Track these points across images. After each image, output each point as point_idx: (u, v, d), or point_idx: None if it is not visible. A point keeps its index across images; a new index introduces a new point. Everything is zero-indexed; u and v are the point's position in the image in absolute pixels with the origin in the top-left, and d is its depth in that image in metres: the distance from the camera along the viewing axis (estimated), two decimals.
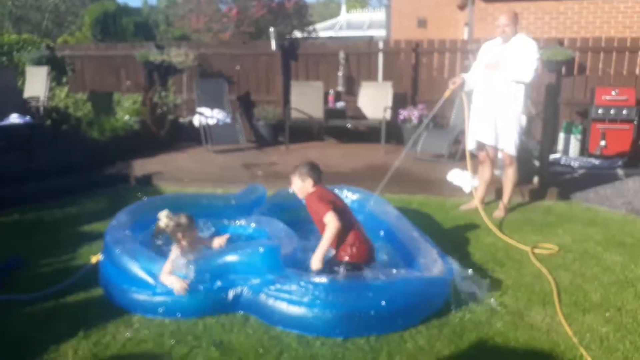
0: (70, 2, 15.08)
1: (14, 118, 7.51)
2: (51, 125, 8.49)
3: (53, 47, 9.99)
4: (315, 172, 3.58)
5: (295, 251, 3.46)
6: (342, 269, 3.23)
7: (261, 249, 3.08)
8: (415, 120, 8.07)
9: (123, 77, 9.58)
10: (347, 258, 3.34)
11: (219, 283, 3.06)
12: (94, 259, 3.59)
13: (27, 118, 7.74)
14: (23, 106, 8.06)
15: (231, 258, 3.13)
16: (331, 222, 3.24)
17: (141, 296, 3.12)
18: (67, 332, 2.89)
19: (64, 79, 9.60)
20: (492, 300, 3.21)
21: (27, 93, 8.66)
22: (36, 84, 8.80)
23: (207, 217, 4.18)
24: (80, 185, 6.12)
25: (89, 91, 9.50)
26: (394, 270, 3.04)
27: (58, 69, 9.54)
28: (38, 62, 9.27)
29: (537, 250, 4.10)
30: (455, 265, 3.28)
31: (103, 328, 2.95)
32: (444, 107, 8.04)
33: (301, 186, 3.58)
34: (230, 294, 3.05)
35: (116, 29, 11.58)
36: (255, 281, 3.04)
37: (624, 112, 7.45)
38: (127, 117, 8.09)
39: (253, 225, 4.14)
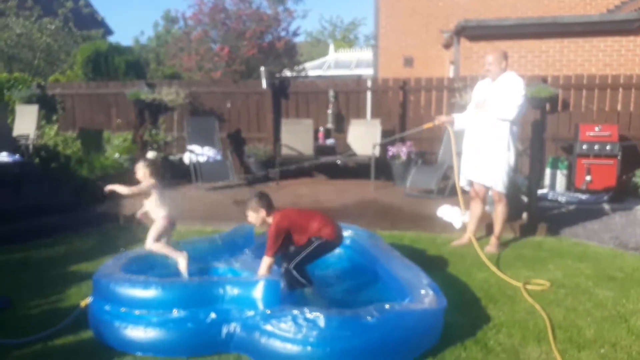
0: (62, 41, 15.18)
1: (3, 156, 7.49)
2: (40, 163, 8.46)
3: (44, 86, 10.03)
4: (264, 200, 3.75)
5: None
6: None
7: (261, 283, 3.07)
8: (403, 157, 8.16)
9: (113, 115, 9.62)
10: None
11: (212, 315, 3.04)
12: (83, 303, 3.53)
13: (17, 156, 7.72)
14: (12, 144, 8.04)
15: (230, 290, 3.12)
16: (265, 262, 3.59)
17: (133, 334, 3.07)
18: None
19: (54, 117, 9.62)
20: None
21: (17, 131, 8.66)
22: (26, 122, 8.81)
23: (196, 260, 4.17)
24: (69, 224, 6.06)
25: (79, 129, 9.51)
26: (387, 305, 3.02)
27: (48, 107, 9.57)
28: (28, 101, 9.30)
29: (529, 286, 4.11)
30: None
31: None
32: (432, 143, 8.22)
33: (256, 218, 3.74)
34: (223, 331, 3.02)
35: (108, 67, 11.68)
36: (249, 317, 3.01)
37: (608, 147, 7.60)
38: (117, 155, 8.09)
39: (237, 265, 4.10)
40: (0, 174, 7.07)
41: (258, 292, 3.07)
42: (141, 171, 4.16)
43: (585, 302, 3.82)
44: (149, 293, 3.12)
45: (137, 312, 3.12)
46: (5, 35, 13.97)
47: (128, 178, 7.73)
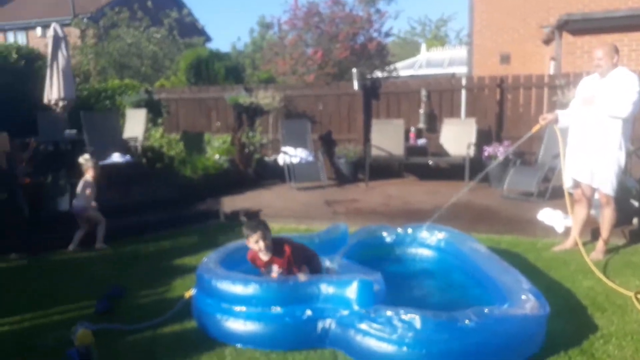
0: (167, 49, 16.20)
1: (116, 157, 8.12)
2: (147, 163, 9.07)
3: (151, 91, 10.74)
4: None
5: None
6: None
7: (355, 283, 3.11)
8: (500, 157, 7.87)
9: (213, 118, 10.11)
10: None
11: (308, 312, 3.11)
12: (187, 294, 3.74)
13: (127, 157, 8.34)
14: (123, 146, 8.70)
15: (325, 288, 3.19)
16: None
17: (233, 326, 3.23)
18: None
19: (159, 120, 10.27)
20: None
21: (127, 134, 9.32)
22: (135, 125, 9.46)
23: None
24: (174, 220, 6.46)
25: (182, 131, 10.09)
26: (486, 309, 2.94)
27: (154, 110, 10.22)
28: (137, 105, 9.99)
29: None
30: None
31: None
32: (531, 142, 7.84)
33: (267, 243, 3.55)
34: (319, 327, 3.09)
35: (208, 73, 12.29)
36: (344, 315, 3.06)
37: None
38: (217, 156, 8.49)
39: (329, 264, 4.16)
40: (113, 173, 7.67)
41: (352, 292, 3.10)
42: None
43: None
44: (248, 290, 3.25)
45: (236, 308, 3.26)
46: (118, 45, 15.12)
47: (228, 178, 8.19)
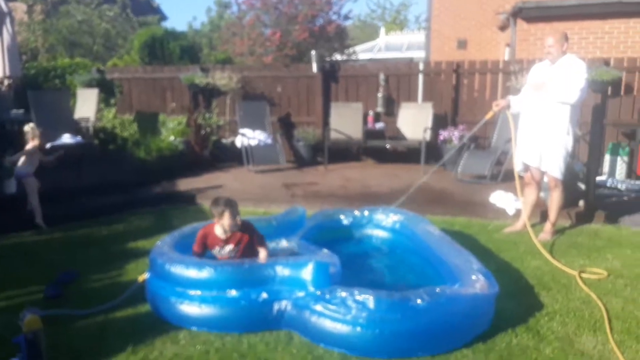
0: (120, 27, 15.68)
1: (66, 138, 7.84)
2: (99, 144, 8.81)
3: (103, 70, 10.39)
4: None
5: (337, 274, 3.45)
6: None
7: (311, 265, 3.12)
8: (455, 141, 8.02)
9: (169, 99, 9.89)
10: None
11: (264, 295, 3.11)
12: (140, 278, 3.67)
13: (78, 138, 8.06)
14: (74, 126, 8.40)
15: (281, 270, 3.19)
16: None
17: (187, 309, 3.20)
18: (117, 347, 2.95)
19: (112, 101, 9.97)
20: None
21: (78, 114, 9.02)
22: (86, 105, 9.16)
23: None
24: (127, 203, 6.30)
25: (136, 112, 9.82)
26: (438, 289, 3.01)
27: (107, 90, 9.92)
28: (89, 85, 9.66)
29: (585, 275, 3.98)
30: None
31: (150, 344, 3.01)
32: (486, 127, 8.03)
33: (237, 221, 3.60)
34: (275, 309, 3.10)
35: (163, 52, 11.98)
36: (299, 297, 3.07)
37: None
38: (172, 137, 8.32)
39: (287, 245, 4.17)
40: (64, 155, 7.40)
41: (308, 273, 3.12)
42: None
43: None
44: (203, 274, 3.21)
45: (191, 291, 3.22)
46: (68, 22, 14.52)
47: (184, 160, 8.04)
